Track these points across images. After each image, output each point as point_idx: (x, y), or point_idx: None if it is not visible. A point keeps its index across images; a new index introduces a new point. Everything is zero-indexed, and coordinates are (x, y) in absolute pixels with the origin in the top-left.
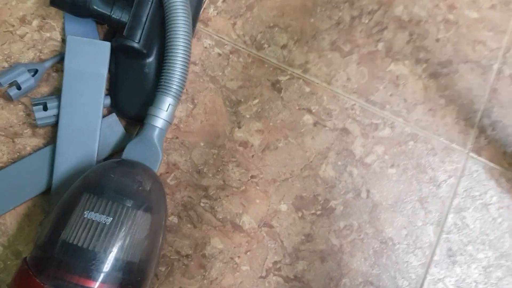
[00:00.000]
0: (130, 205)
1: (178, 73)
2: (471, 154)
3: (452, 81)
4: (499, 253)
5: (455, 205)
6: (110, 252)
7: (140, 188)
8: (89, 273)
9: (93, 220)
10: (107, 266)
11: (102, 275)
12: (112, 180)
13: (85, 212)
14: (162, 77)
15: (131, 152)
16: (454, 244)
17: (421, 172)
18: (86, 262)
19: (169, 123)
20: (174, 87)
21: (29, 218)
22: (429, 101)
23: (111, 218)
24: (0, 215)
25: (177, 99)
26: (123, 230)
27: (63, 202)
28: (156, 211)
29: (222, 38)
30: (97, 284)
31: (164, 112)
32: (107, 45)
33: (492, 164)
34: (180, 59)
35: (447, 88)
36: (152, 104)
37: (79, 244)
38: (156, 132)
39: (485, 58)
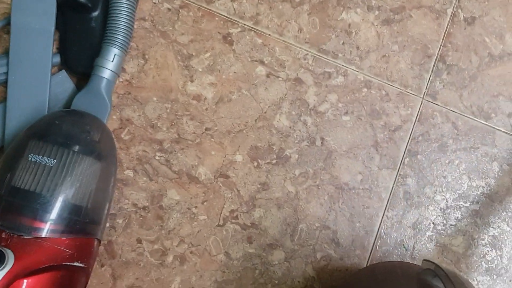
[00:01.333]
0: (76, 150)
1: (123, 23)
2: (426, 98)
3: (406, 27)
4: (457, 195)
5: (411, 149)
6: (55, 194)
7: (87, 136)
8: (36, 214)
9: (37, 163)
10: (53, 208)
11: (48, 216)
12: (59, 127)
13: (29, 156)
14: (107, 28)
15: (79, 103)
16: (411, 187)
17: (376, 118)
18: (33, 204)
19: (116, 74)
20: (120, 37)
21: None
22: (382, 48)
23: (55, 161)
24: None
25: (124, 50)
26: (68, 173)
27: (10, 149)
28: (104, 158)
29: None
30: (44, 224)
31: (110, 62)
32: (52, 0)
33: (448, 108)
34: (124, 9)
35: (400, 34)
36: (98, 55)
37: (26, 187)
38: (104, 83)
39: (438, 3)
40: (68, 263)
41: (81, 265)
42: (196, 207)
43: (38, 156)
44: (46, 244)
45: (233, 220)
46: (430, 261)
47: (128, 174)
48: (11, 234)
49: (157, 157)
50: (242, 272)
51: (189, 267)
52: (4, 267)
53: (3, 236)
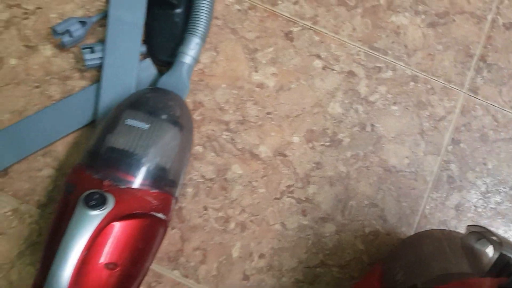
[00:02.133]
0: (163, 119)
1: (204, 18)
2: (468, 93)
3: (449, 30)
4: (497, 180)
5: (454, 138)
6: (146, 154)
7: (171, 110)
8: (130, 169)
9: (133, 127)
10: (144, 165)
11: (140, 171)
12: (150, 99)
13: (126, 120)
14: (190, 21)
15: (163, 84)
16: (453, 172)
17: (421, 109)
18: (128, 161)
19: (195, 59)
20: (201, 29)
21: (76, 146)
22: (428, 47)
23: (149, 125)
24: (52, 142)
25: (203, 40)
26: (157, 137)
27: (108, 117)
28: (184, 130)
29: None
30: (137, 178)
31: (192, 50)
32: None
33: (488, 102)
34: (205, 6)
35: (444, 35)
36: (181, 44)
37: (122, 147)
38: (185, 67)
39: (479, 10)
40: (153, 213)
41: (162, 217)
42: (256, 181)
43: (134, 120)
44: (138, 194)
45: (289, 194)
46: (475, 225)
47: (198, 149)
48: (111, 184)
49: (223, 136)
50: (296, 241)
51: (249, 234)
52: (106, 208)
53: (105, 184)
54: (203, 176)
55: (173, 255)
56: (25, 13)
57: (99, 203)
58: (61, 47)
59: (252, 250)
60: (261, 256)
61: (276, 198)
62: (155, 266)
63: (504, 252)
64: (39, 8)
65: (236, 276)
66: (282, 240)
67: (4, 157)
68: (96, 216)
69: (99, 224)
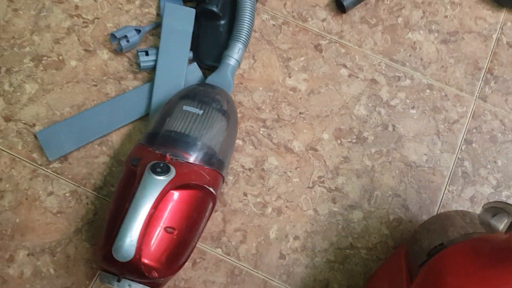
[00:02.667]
0: (214, 107)
1: (246, 26)
2: (478, 100)
3: (459, 46)
4: (507, 177)
5: (467, 139)
6: (202, 135)
7: (220, 101)
8: (188, 148)
9: (190, 112)
10: (199, 144)
11: (196, 149)
12: (201, 91)
13: (183, 107)
14: (235, 29)
15: (211, 81)
16: (467, 168)
17: (437, 113)
18: (185, 140)
19: (238, 62)
20: (244, 36)
21: (130, 137)
22: (441, 60)
23: (202, 111)
24: (107, 133)
25: (245, 46)
26: (209, 121)
27: (166, 106)
28: (230, 119)
29: (276, 14)
30: (193, 154)
31: (236, 54)
32: (192, 10)
33: (496, 109)
34: (248, 16)
35: (455, 51)
36: (226, 49)
37: (180, 129)
38: (230, 68)
39: (485, 30)
40: (206, 186)
41: (213, 191)
42: (290, 171)
43: (190, 107)
44: (194, 168)
45: (320, 184)
46: (490, 202)
47: (238, 143)
48: (171, 158)
49: (261, 132)
50: (327, 225)
51: (284, 218)
52: (170, 175)
53: (167, 157)
54: (242, 166)
55: (216, 235)
56: (85, 22)
57: (164, 171)
58: (118, 51)
59: (287, 233)
60: (296, 238)
61: (308, 187)
62: (200, 244)
63: None
64: (97, 18)
65: (274, 255)
66: (314, 224)
67: (64, 145)
68: (161, 181)
69: (163, 189)
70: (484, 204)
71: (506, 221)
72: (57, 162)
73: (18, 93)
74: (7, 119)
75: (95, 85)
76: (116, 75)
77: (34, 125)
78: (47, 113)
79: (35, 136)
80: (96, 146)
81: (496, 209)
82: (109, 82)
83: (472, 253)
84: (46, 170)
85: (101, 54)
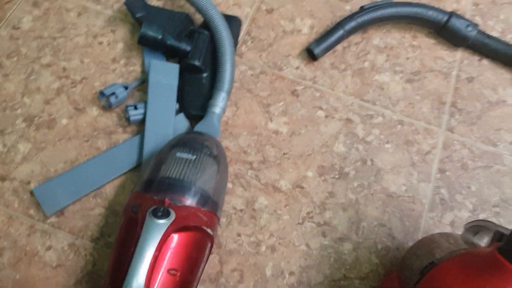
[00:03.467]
0: (205, 153)
1: (228, 77)
2: (446, 132)
3: (423, 84)
4: (482, 201)
5: (440, 168)
6: (196, 179)
7: (210, 146)
8: (184, 192)
9: (182, 158)
10: (194, 188)
11: (192, 193)
12: (191, 138)
13: (176, 154)
14: (217, 81)
15: (199, 129)
16: (444, 195)
17: (410, 146)
18: (181, 184)
19: (223, 110)
20: (226, 85)
21: (123, 188)
22: (408, 98)
23: (195, 156)
24: (101, 185)
25: (228, 94)
26: (202, 165)
27: (158, 154)
28: (220, 163)
29: (253, 65)
30: (189, 198)
31: (220, 102)
32: (176, 65)
33: (463, 138)
34: (228, 68)
35: (420, 89)
36: (211, 99)
37: (175, 174)
38: (215, 116)
39: (445, 68)
40: (204, 227)
41: (210, 232)
42: (280, 209)
43: (183, 153)
44: (192, 210)
45: (309, 219)
46: (470, 222)
47: (228, 185)
48: (170, 202)
49: (249, 174)
50: (320, 259)
51: (278, 255)
52: (170, 218)
53: (167, 201)
54: (234, 208)
55: (213, 276)
56: (73, 83)
57: (164, 214)
58: (107, 107)
59: (283, 269)
60: (291, 273)
61: (299, 223)
62: (199, 287)
63: (497, 229)
64: (85, 78)
65: None
66: (308, 258)
67: (60, 200)
68: (163, 224)
69: (165, 232)
70: (465, 224)
71: (487, 237)
72: (53, 216)
73: (12, 153)
74: (3, 178)
75: (87, 141)
76: (106, 130)
77: (29, 182)
78: (42, 170)
79: (31, 193)
80: (91, 198)
81: (476, 227)
82: (100, 137)
83: (462, 267)
84: (44, 225)
85: (91, 111)
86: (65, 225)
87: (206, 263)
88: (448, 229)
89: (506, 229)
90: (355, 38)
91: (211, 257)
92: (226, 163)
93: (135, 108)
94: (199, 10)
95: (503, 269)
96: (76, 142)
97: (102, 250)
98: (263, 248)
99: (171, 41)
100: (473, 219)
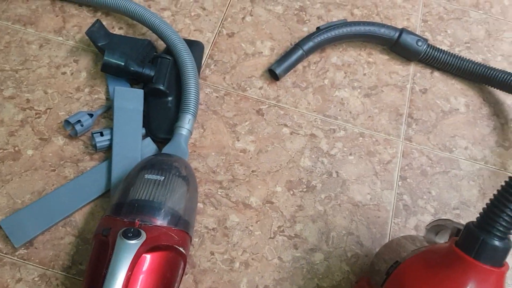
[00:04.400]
0: (174, 173)
1: (193, 99)
2: (405, 141)
3: (380, 98)
4: (442, 204)
5: (401, 175)
6: (165, 199)
7: (179, 167)
8: (154, 213)
9: (151, 179)
10: (164, 208)
11: (162, 213)
12: (159, 160)
13: (145, 176)
14: (182, 103)
15: (167, 150)
16: (407, 201)
17: (372, 156)
18: (151, 205)
19: (190, 132)
20: (192, 107)
21: (93, 215)
22: (367, 111)
23: (163, 177)
24: (70, 213)
25: (194, 116)
26: (172, 185)
27: (127, 177)
28: (190, 183)
29: (218, 87)
30: (160, 218)
31: (187, 124)
32: (140, 91)
33: (421, 146)
34: (193, 90)
35: (378, 102)
36: (177, 121)
37: (145, 196)
38: (183, 138)
39: (399, 81)
40: (176, 246)
41: (183, 251)
42: (252, 225)
43: (151, 175)
44: (163, 230)
45: (281, 233)
46: (430, 223)
47: (199, 205)
48: (141, 223)
49: (219, 193)
50: (293, 271)
51: (252, 270)
52: (141, 238)
53: (137, 222)
54: (206, 227)
55: None
56: (37, 113)
57: (135, 235)
58: (73, 135)
59: (257, 283)
60: (266, 287)
61: (270, 238)
62: None
63: (455, 225)
64: (49, 108)
65: None
66: (281, 271)
67: (28, 231)
68: (134, 244)
69: (136, 252)
70: (426, 226)
71: (448, 235)
72: (23, 248)
73: None
74: None
75: (53, 170)
76: (73, 158)
77: None
78: (8, 202)
79: None
80: (61, 227)
81: (437, 227)
82: (67, 166)
83: (423, 263)
84: (12, 257)
85: (56, 141)
86: (35, 256)
87: (180, 283)
88: (413, 233)
89: (462, 224)
90: (314, 57)
91: (185, 277)
92: (196, 182)
93: (101, 134)
94: (161, 36)
95: (461, 260)
96: (43, 172)
97: (74, 279)
98: (237, 264)
99: (134, 67)
100: None
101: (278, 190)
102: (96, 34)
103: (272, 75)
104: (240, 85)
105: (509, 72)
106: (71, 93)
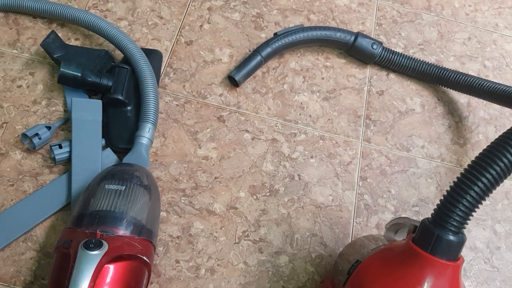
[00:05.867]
0: (135, 183)
1: (152, 107)
2: (364, 143)
3: (339, 101)
4: (402, 202)
5: (361, 176)
6: (126, 209)
7: (140, 176)
8: (115, 223)
9: (112, 189)
10: (126, 218)
11: (123, 223)
12: (120, 170)
13: (105, 186)
14: (142, 112)
15: (128, 160)
16: (368, 201)
17: (332, 158)
18: (112, 215)
19: (150, 140)
20: (151, 116)
21: (54, 228)
22: (326, 114)
23: (124, 186)
24: (31, 228)
25: (154, 125)
26: (133, 194)
27: (88, 188)
28: (152, 191)
29: (177, 95)
30: (121, 228)
31: (147, 133)
32: (99, 101)
33: (380, 147)
34: (152, 99)
35: (336, 105)
36: (137, 130)
37: (105, 206)
38: (143, 147)
39: (357, 84)
40: (139, 255)
41: (146, 260)
42: (216, 232)
43: (112, 185)
44: (125, 239)
45: (245, 238)
46: (389, 222)
47: (162, 214)
48: (102, 234)
49: (182, 200)
50: (259, 274)
51: (218, 276)
52: (103, 249)
53: (98, 233)
54: (170, 236)
55: None
56: None
57: (96, 246)
58: (31, 149)
59: None
60: None
61: (235, 243)
62: None
63: (412, 222)
64: (6, 122)
65: None
66: (247, 275)
67: None
68: (96, 255)
69: (98, 263)
70: (386, 225)
71: (406, 233)
72: None
73: None
74: None
75: (12, 185)
76: (32, 172)
77: None
78: None
79: None
80: (21, 243)
81: (396, 225)
82: (26, 180)
83: (382, 261)
84: None
85: (14, 155)
86: None
87: None
88: (375, 232)
89: (419, 221)
90: (272, 63)
91: (151, 286)
92: (158, 191)
93: (60, 147)
94: (117, 46)
95: (418, 256)
96: (1, 187)
97: None
98: (203, 271)
99: (91, 78)
100: None
101: (242, 196)
102: (51, 46)
103: (232, 81)
104: (200, 93)
105: (461, 72)
106: (28, 106)
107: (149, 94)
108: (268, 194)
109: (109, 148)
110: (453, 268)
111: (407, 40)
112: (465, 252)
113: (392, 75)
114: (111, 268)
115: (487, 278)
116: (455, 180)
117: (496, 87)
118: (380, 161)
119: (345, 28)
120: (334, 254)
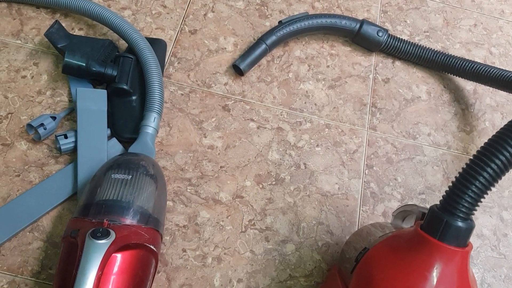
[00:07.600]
0: (142, 172)
1: (158, 97)
2: (369, 131)
3: (344, 89)
4: (408, 190)
5: (367, 164)
6: (133, 198)
7: (146, 165)
8: (122, 212)
9: (118, 178)
10: (132, 207)
11: (130, 212)
12: (126, 159)
13: (112, 175)
14: (147, 102)
15: (134, 149)
16: (374, 189)
17: (338, 147)
18: (119, 205)
19: (156, 130)
20: (157, 105)
21: (60, 218)
22: (332, 103)
23: (131, 176)
24: (37, 218)
25: (159, 114)
26: (139, 183)
27: (94, 178)
28: (158, 180)
29: (182, 84)
30: (128, 217)
31: (152, 122)
32: (103, 91)
33: (386, 135)
34: (157, 88)
35: (342, 93)
36: (142, 120)
37: (112, 196)
38: (149, 136)
39: (362, 72)
40: (146, 244)
41: (153, 248)
42: (223, 221)
43: (118, 174)
44: (132, 228)
45: (252, 227)
46: (396, 209)
47: (169, 203)
48: (109, 223)
49: (188, 190)
50: (265, 263)
51: (225, 265)
52: (110, 237)
53: (105, 222)
54: (177, 225)
55: None
56: None
57: (104, 235)
58: (36, 139)
59: (230, 277)
60: (239, 281)
61: (242, 232)
62: None
63: (419, 209)
64: (10, 113)
65: None
66: (254, 264)
67: None
68: (103, 244)
69: (106, 252)
70: (393, 212)
71: (413, 220)
72: None
73: None
74: None
75: (18, 175)
76: (38, 163)
77: None
78: None
79: None
80: (28, 233)
81: (403, 213)
82: (32, 170)
83: (391, 248)
84: None
85: (20, 146)
86: (2, 263)
87: (152, 281)
88: (381, 220)
89: (427, 209)
90: (277, 51)
91: (158, 275)
92: (164, 180)
93: (65, 137)
94: (122, 35)
95: (426, 243)
96: (7, 178)
97: (44, 284)
98: (209, 260)
99: (96, 68)
100: None
101: (248, 185)
102: (55, 36)
103: (237, 70)
104: (205, 82)
105: (468, 59)
106: (33, 96)
107: (154, 84)
108: (274, 183)
109: (114, 138)
110: (461, 254)
111: (412, 27)
112: (472, 240)
113: (397, 63)
114: (119, 257)
115: (494, 265)
116: (464, 166)
117: (502, 74)
118: (386, 149)
119: (350, 16)
120: (340, 242)
